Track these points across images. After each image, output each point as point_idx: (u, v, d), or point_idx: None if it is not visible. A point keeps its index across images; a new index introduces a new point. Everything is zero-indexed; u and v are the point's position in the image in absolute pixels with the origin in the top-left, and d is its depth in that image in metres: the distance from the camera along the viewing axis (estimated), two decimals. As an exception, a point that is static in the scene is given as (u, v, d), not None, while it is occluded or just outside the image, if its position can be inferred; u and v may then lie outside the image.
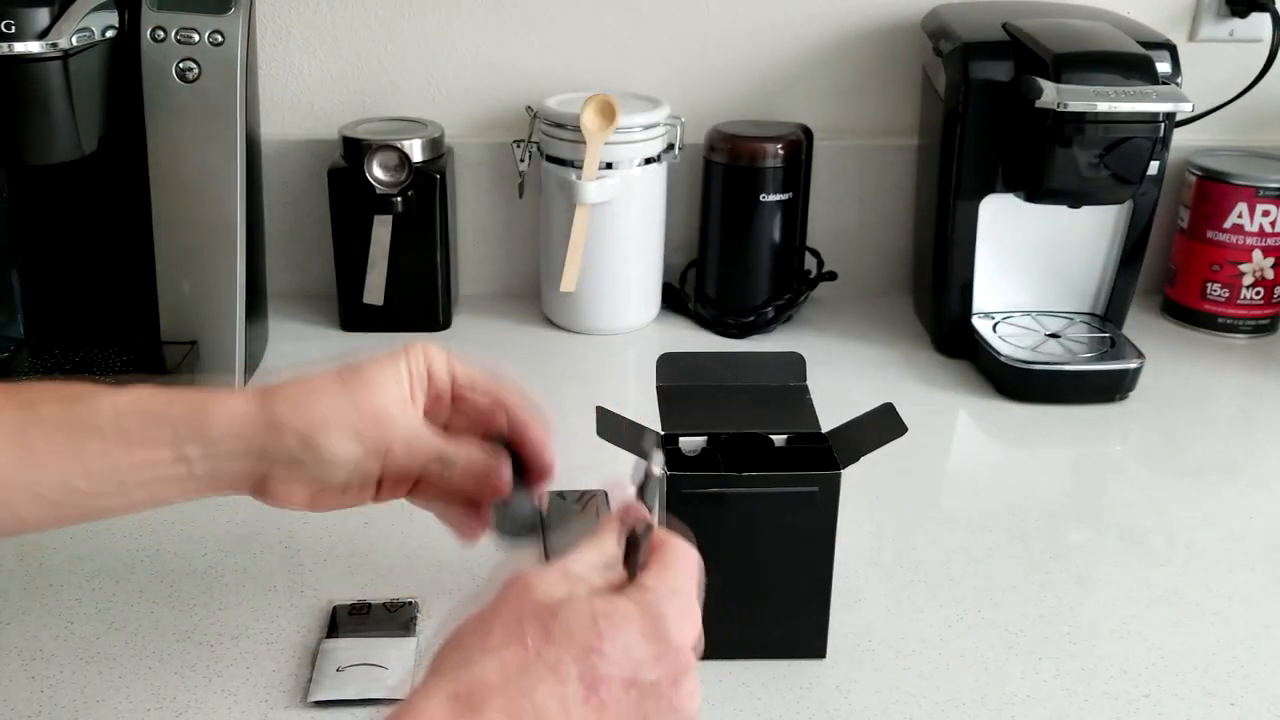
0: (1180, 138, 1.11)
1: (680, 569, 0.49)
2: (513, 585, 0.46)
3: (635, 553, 0.49)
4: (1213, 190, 1.20)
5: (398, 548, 0.82)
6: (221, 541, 0.84)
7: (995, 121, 1.07)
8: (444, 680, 0.43)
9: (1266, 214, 1.17)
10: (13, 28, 0.86)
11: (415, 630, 0.73)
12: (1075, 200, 1.09)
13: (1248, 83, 1.23)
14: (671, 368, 0.77)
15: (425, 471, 0.61)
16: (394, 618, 0.74)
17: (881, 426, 0.69)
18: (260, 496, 0.59)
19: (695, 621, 0.48)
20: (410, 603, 0.75)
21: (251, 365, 1.08)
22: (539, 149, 1.19)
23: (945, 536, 0.86)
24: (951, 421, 1.06)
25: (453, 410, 0.63)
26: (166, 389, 0.57)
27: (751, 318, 1.20)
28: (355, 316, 1.19)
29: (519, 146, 1.20)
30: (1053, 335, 1.13)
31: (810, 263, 1.26)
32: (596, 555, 0.50)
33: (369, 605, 0.75)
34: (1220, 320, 1.22)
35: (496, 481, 0.61)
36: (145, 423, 0.56)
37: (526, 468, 0.63)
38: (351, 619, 0.74)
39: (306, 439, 0.56)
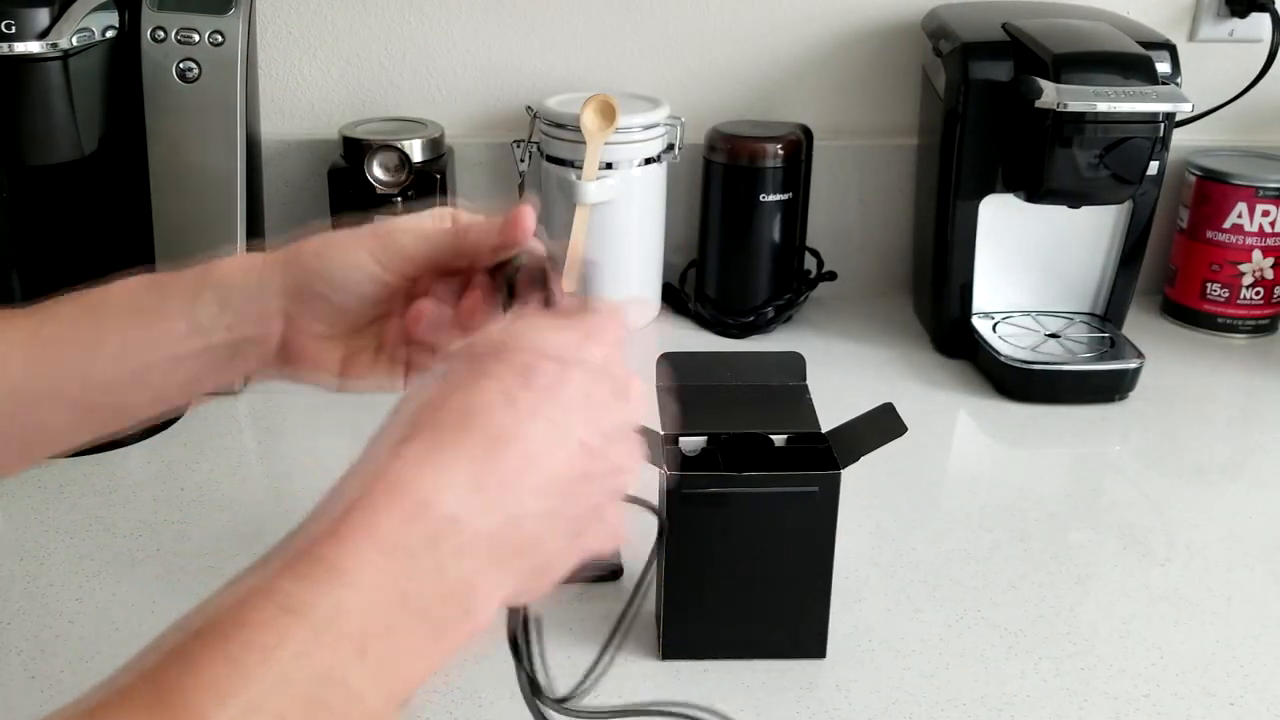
0: (1180, 138, 1.11)
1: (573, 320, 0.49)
2: None
3: (512, 278, 0.52)
4: (1212, 190, 1.20)
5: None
6: (221, 541, 0.84)
7: (995, 121, 1.07)
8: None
9: (1266, 214, 1.17)
10: (13, 28, 0.86)
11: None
12: (1075, 200, 1.09)
13: (1248, 83, 1.23)
14: (671, 368, 0.77)
15: (438, 254, 0.56)
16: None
17: (881, 426, 0.69)
18: (287, 366, 0.56)
19: (605, 336, 0.48)
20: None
21: (251, 365, 1.08)
22: (539, 149, 1.19)
23: (945, 536, 0.86)
24: (951, 421, 1.05)
25: None
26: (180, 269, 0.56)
27: (751, 318, 1.20)
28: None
29: (519, 146, 1.20)
30: (1053, 335, 1.13)
31: (810, 263, 1.26)
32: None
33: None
34: (1220, 320, 1.22)
35: (518, 215, 0.58)
36: (156, 294, 0.54)
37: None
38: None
39: (321, 252, 0.55)
